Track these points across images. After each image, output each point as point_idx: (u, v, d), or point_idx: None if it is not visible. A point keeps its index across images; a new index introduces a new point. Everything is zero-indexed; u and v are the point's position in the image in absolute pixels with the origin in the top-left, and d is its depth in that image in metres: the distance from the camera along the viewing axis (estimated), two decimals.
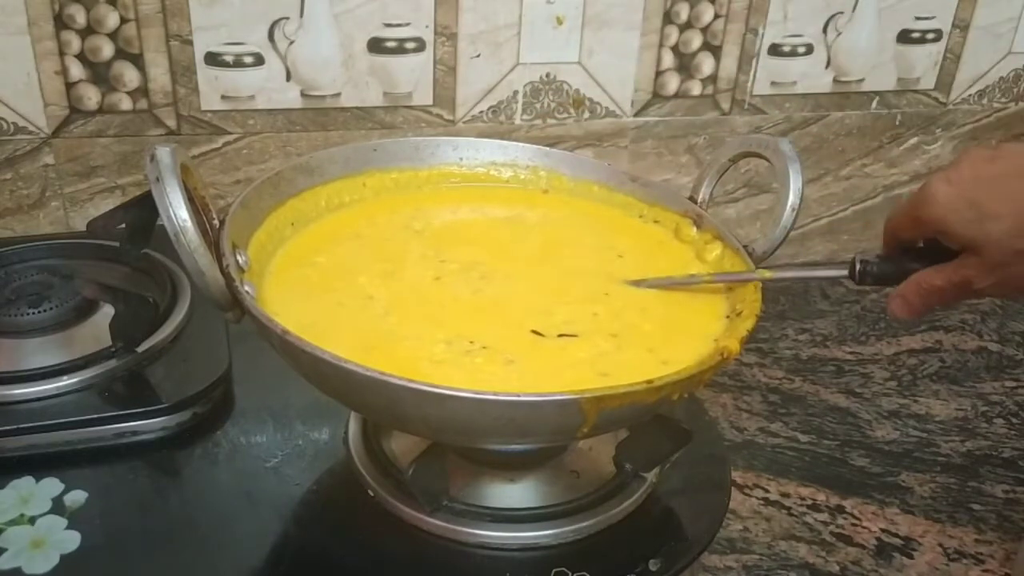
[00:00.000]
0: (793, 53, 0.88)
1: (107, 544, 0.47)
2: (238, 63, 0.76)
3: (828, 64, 0.89)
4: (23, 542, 0.47)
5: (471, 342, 0.47)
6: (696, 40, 0.84)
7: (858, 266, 0.46)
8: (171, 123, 0.77)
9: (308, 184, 0.55)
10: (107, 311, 0.58)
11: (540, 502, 0.50)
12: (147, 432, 0.54)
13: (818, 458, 0.69)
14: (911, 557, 0.60)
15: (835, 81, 0.90)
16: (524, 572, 0.47)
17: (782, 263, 0.95)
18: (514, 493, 0.51)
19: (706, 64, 0.86)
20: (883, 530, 0.62)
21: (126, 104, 0.75)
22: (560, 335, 0.48)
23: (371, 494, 0.50)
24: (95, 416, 0.53)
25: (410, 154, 0.60)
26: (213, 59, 0.75)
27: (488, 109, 0.83)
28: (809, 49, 0.88)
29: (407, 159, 0.60)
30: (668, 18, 0.83)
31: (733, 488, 0.60)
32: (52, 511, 0.49)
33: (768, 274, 0.50)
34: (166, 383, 0.57)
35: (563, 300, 0.52)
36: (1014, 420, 0.75)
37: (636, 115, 0.86)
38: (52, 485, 0.50)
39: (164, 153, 0.43)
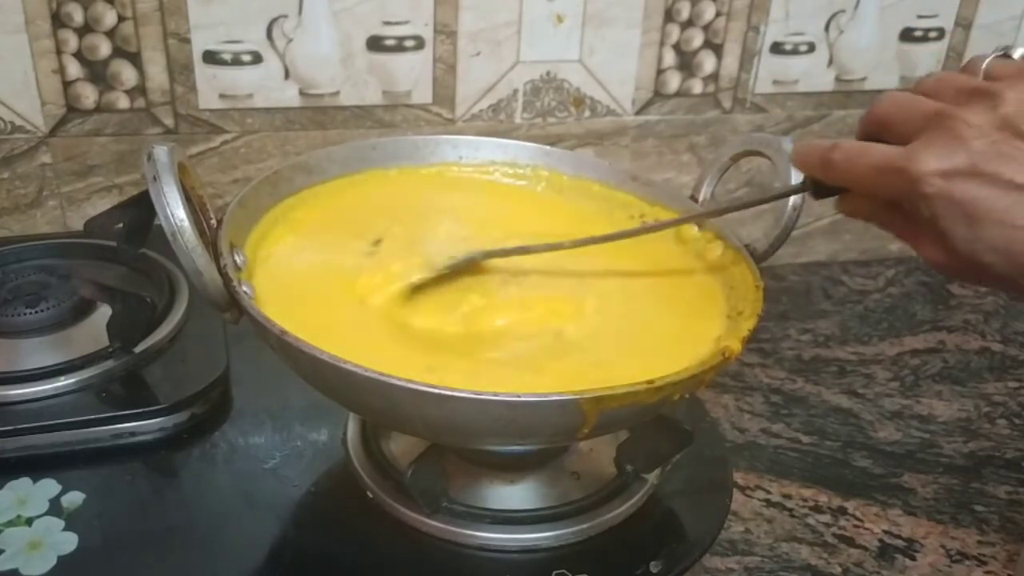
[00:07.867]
0: (795, 51, 0.87)
1: (105, 545, 0.47)
2: (236, 61, 0.75)
3: (830, 62, 0.89)
4: (20, 543, 0.46)
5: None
6: (697, 38, 0.84)
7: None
8: (169, 122, 0.76)
9: (306, 183, 0.55)
10: (104, 311, 0.58)
11: (540, 504, 0.50)
12: (145, 433, 0.54)
13: (820, 459, 0.69)
14: (913, 559, 0.60)
15: (837, 80, 0.90)
16: (524, 574, 0.47)
17: (783, 263, 0.95)
18: (514, 494, 0.50)
19: (707, 62, 0.85)
20: (885, 531, 0.62)
21: (124, 103, 0.75)
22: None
23: (370, 495, 0.50)
24: (92, 417, 0.53)
25: (409, 153, 0.59)
26: (211, 57, 0.75)
27: (488, 107, 0.82)
28: (811, 47, 0.87)
29: (406, 158, 0.59)
30: (669, 16, 0.82)
31: (735, 489, 0.59)
32: (49, 512, 0.48)
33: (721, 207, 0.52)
34: (164, 384, 0.56)
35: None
36: (1017, 421, 0.74)
37: (637, 114, 0.86)
38: (49, 486, 0.50)
39: (161, 152, 0.42)
